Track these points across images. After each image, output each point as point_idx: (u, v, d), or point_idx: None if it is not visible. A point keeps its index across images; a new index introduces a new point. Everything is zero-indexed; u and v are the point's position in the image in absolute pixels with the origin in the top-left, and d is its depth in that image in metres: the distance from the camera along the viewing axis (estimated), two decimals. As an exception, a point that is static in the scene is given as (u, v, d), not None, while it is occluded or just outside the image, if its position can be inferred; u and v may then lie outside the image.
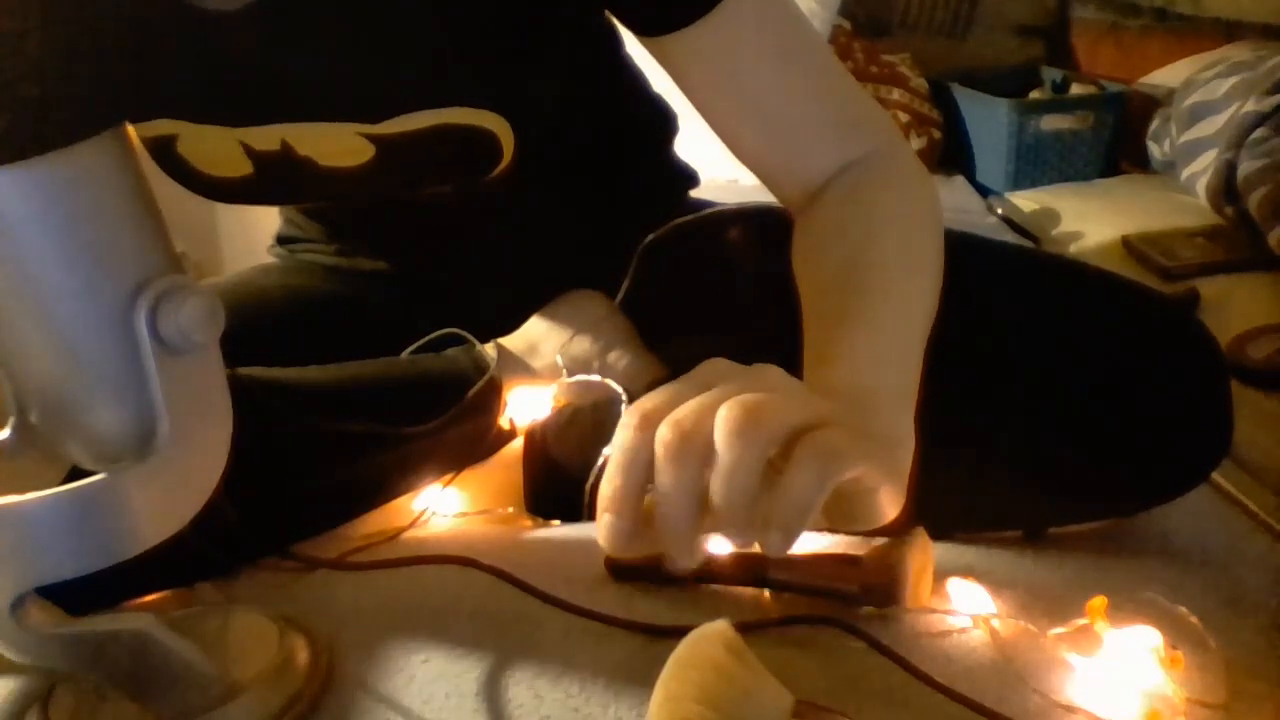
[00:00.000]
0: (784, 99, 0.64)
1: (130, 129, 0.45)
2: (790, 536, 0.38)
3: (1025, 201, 1.76)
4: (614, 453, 0.40)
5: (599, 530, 0.40)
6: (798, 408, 0.40)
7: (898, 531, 0.58)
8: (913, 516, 0.47)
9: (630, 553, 0.40)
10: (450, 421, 0.77)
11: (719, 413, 0.38)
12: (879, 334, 0.52)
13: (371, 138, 0.67)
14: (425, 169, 0.72)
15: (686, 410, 0.39)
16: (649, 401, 0.41)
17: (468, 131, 0.68)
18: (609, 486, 0.40)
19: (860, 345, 0.51)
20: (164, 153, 0.70)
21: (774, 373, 0.43)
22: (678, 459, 0.38)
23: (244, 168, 0.70)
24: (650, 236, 0.83)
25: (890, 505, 0.45)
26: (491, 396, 0.81)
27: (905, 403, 0.49)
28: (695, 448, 0.38)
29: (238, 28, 0.62)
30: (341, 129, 0.67)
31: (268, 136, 0.68)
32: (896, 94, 2.02)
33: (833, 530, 0.66)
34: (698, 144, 0.88)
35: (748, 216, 0.80)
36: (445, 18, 0.64)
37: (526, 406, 0.83)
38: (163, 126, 0.68)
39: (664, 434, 0.39)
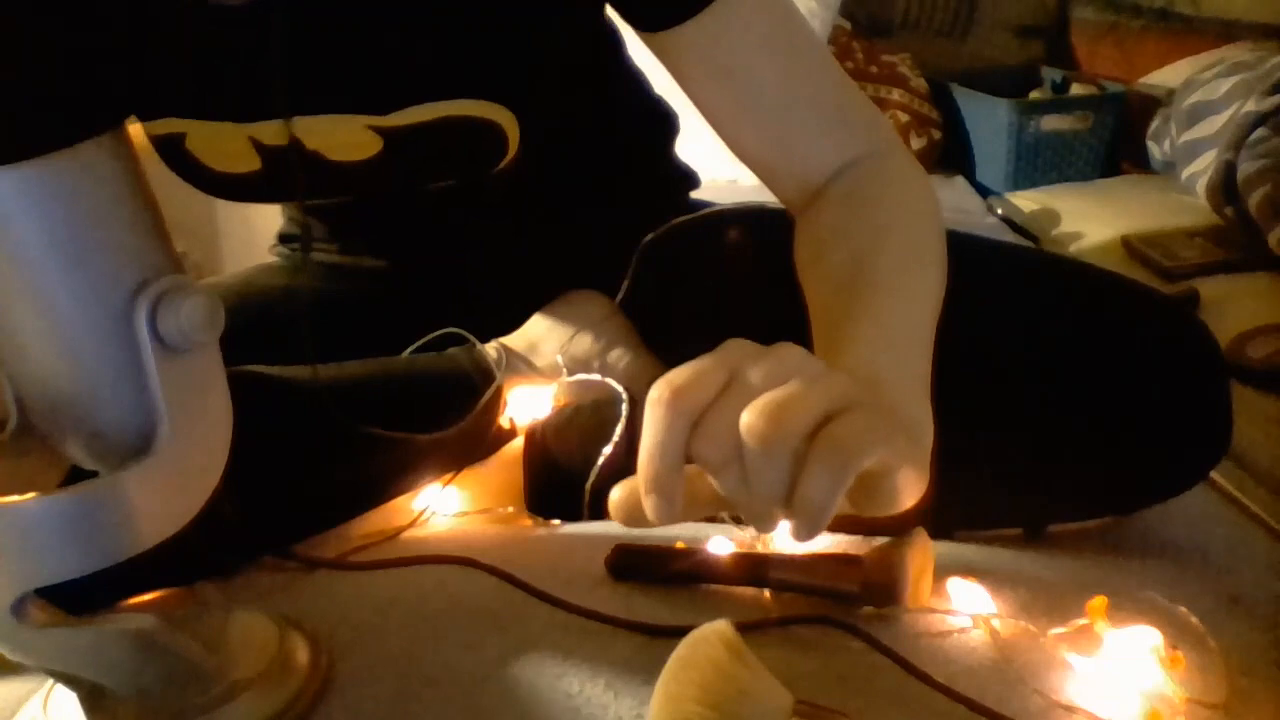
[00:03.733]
0: (783, 96, 0.64)
1: (134, 128, 0.45)
2: (815, 529, 0.39)
3: (1025, 201, 1.77)
4: (647, 433, 0.40)
5: (646, 508, 0.41)
6: (820, 395, 0.40)
7: (898, 531, 0.59)
8: (919, 512, 0.47)
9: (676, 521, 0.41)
10: (452, 422, 0.77)
11: (742, 419, 0.39)
12: (889, 326, 0.52)
13: (380, 130, 0.68)
14: (432, 162, 0.72)
15: (716, 417, 0.40)
16: (677, 379, 0.41)
17: (474, 123, 0.68)
18: (649, 469, 0.40)
19: (872, 336, 0.51)
20: (172, 150, 0.70)
21: (795, 352, 0.43)
22: (722, 471, 0.40)
23: (253, 163, 0.70)
24: (650, 236, 0.83)
25: (911, 489, 0.45)
26: (493, 396, 0.81)
27: (921, 388, 0.49)
28: (733, 456, 0.40)
29: (244, 21, 0.63)
30: (350, 121, 0.67)
31: (277, 131, 0.68)
32: (896, 94, 2.02)
33: (848, 530, 0.66)
34: (698, 144, 0.88)
35: (748, 216, 0.80)
36: (452, 9, 0.65)
37: (526, 406, 0.83)
38: (171, 124, 0.68)
39: (700, 449, 0.40)
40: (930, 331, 0.54)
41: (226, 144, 0.69)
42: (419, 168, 0.72)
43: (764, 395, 0.40)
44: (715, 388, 0.41)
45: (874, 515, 0.45)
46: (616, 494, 0.43)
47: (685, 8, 0.61)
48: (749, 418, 0.39)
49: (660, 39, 0.63)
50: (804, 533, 0.40)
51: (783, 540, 0.65)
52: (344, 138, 0.68)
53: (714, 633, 0.44)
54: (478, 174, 0.73)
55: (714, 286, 0.78)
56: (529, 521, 0.76)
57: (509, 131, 0.69)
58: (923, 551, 0.59)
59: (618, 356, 0.83)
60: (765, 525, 0.42)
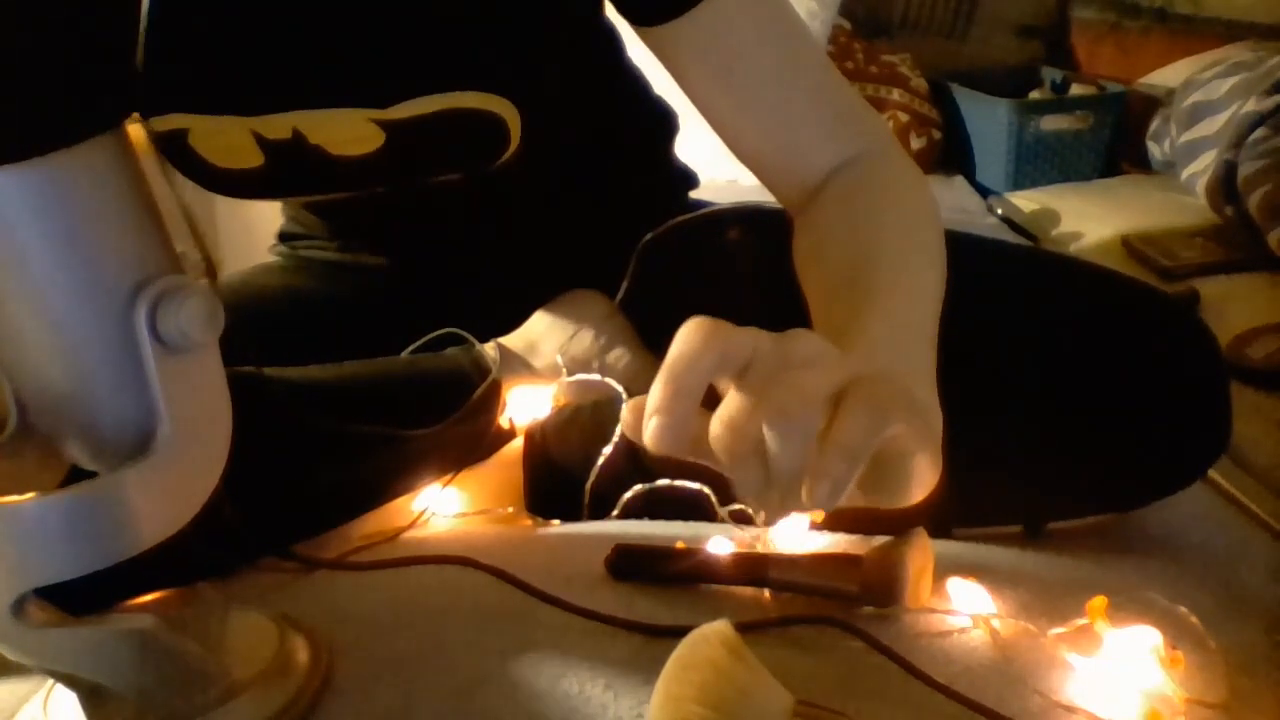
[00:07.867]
0: (781, 93, 0.65)
1: (134, 127, 0.45)
2: (839, 488, 0.38)
3: (1025, 201, 1.77)
4: (669, 361, 0.39)
5: (645, 435, 0.39)
6: (837, 370, 0.39)
7: (898, 531, 0.59)
8: (921, 509, 0.47)
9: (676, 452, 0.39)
10: (452, 422, 0.77)
11: (767, 407, 0.38)
12: (893, 322, 0.52)
13: (381, 123, 0.68)
14: (434, 156, 0.72)
15: (738, 406, 0.39)
16: (698, 331, 0.40)
17: (476, 115, 0.68)
18: (659, 394, 0.39)
19: (877, 331, 0.51)
20: (175, 147, 0.70)
21: (809, 337, 0.42)
22: (738, 458, 0.39)
23: (255, 159, 0.70)
24: (650, 236, 0.83)
25: (925, 478, 0.44)
26: (492, 396, 0.81)
27: (929, 380, 0.49)
28: (750, 446, 0.39)
29: (248, 13, 0.63)
30: (352, 114, 0.67)
31: (280, 125, 0.68)
32: (896, 94, 2.02)
33: (848, 529, 0.66)
34: (698, 144, 0.88)
35: (747, 216, 0.80)
36: (454, 1, 0.65)
37: (526, 406, 0.83)
38: (174, 120, 0.68)
39: (716, 431, 0.39)
40: (933, 329, 0.54)
41: (229, 139, 0.69)
42: (421, 161, 0.72)
43: (784, 385, 0.38)
44: (749, 335, 0.40)
45: (887, 506, 0.44)
46: (628, 416, 0.41)
47: (680, 1, 0.61)
48: (773, 402, 0.38)
49: (657, 34, 0.63)
50: (827, 492, 0.37)
51: (783, 540, 0.65)
52: (346, 131, 0.68)
53: (714, 633, 0.44)
54: (480, 168, 0.73)
55: (714, 286, 0.78)
56: (529, 521, 0.76)
57: (511, 124, 0.69)
58: (922, 551, 0.59)
59: (617, 356, 0.83)
60: (784, 502, 0.40)
